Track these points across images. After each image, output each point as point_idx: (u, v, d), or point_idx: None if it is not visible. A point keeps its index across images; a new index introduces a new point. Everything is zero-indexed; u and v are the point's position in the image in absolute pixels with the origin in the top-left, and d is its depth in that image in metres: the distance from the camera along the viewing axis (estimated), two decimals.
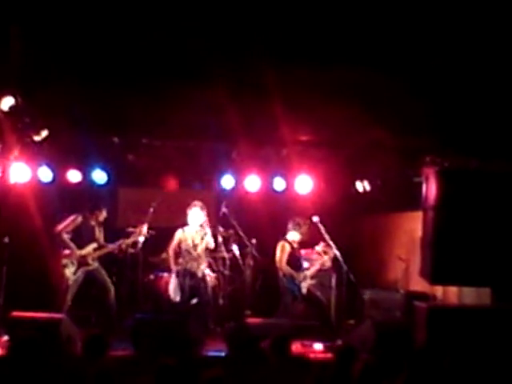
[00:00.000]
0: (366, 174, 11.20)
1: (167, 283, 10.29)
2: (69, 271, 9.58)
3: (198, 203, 9.94)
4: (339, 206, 11.68)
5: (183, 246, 9.96)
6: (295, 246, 10.10)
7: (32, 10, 5.80)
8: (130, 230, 10.19)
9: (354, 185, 11.41)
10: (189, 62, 6.88)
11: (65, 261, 9.59)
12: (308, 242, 10.40)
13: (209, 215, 10.13)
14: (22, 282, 10.52)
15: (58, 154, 10.25)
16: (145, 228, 10.07)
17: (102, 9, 5.75)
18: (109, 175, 10.73)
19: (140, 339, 8.28)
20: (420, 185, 8.99)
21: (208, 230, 9.97)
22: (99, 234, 9.94)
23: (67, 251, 9.63)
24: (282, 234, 10.17)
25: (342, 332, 9.89)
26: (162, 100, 8.10)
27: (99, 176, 10.69)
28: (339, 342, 9.04)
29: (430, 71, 6.90)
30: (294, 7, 5.69)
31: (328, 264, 10.32)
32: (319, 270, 10.21)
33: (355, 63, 6.66)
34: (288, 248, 10.01)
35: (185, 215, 9.95)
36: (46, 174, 10.35)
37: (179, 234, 10.01)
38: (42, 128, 9.28)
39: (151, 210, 10.24)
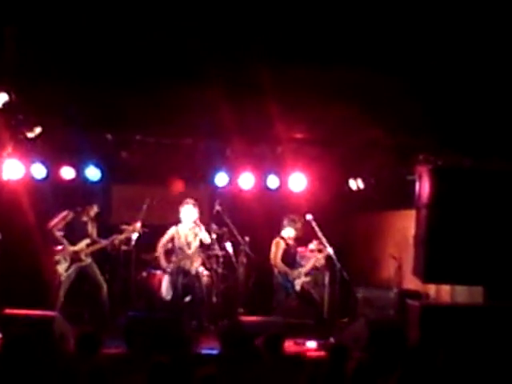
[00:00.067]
0: (359, 172, 11.20)
1: (160, 281, 10.30)
2: (61, 267, 9.59)
3: (190, 200, 9.93)
4: (333, 204, 11.69)
5: (176, 244, 9.96)
6: (290, 242, 10.11)
7: (27, 7, 5.79)
8: (124, 227, 10.17)
9: (347, 183, 11.41)
10: (183, 60, 6.87)
11: (57, 257, 9.60)
12: (302, 240, 10.41)
13: (202, 213, 10.13)
14: (15, 279, 10.50)
15: (51, 150, 10.22)
16: (138, 225, 10.06)
17: (96, 7, 5.74)
18: (102, 172, 10.70)
19: (133, 337, 8.27)
20: (413, 183, 9.00)
21: (202, 227, 9.96)
22: (92, 229, 9.94)
23: (60, 247, 9.64)
24: (275, 232, 10.18)
25: (335, 330, 9.89)
26: (156, 97, 8.09)
27: (93, 173, 10.66)
28: (332, 340, 9.06)
29: (424, 70, 6.91)
30: (289, 6, 5.69)
31: (322, 262, 10.32)
32: (313, 268, 10.23)
33: (350, 62, 6.66)
34: (283, 245, 10.02)
35: (178, 213, 9.94)
36: (39, 171, 10.33)
37: (172, 231, 10.01)
38: (36, 125, 9.27)
39: (144, 207, 10.23)
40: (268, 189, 11.37)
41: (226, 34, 6.22)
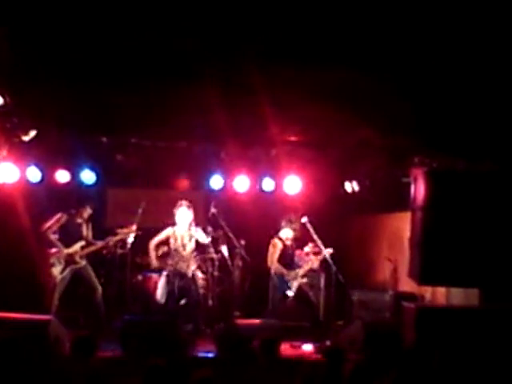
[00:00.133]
0: (354, 175, 11.21)
1: (156, 284, 10.29)
2: (56, 270, 9.59)
3: (184, 202, 9.90)
4: (328, 207, 11.70)
5: (172, 246, 9.93)
6: (288, 243, 10.11)
7: (20, 10, 5.78)
8: (119, 230, 10.16)
9: (342, 185, 11.42)
10: (177, 62, 6.86)
11: (52, 259, 9.60)
12: (300, 241, 10.41)
13: (197, 215, 10.12)
14: (10, 282, 10.48)
15: (46, 154, 10.21)
16: (134, 227, 10.05)
17: (90, 9, 5.73)
18: (97, 175, 10.70)
19: (129, 340, 8.27)
20: (408, 185, 9.00)
21: (197, 228, 9.94)
22: (87, 231, 9.95)
23: (54, 250, 9.64)
24: (271, 235, 10.18)
25: (331, 333, 9.90)
26: (151, 100, 8.09)
27: (88, 176, 10.66)
28: (328, 343, 9.06)
29: (419, 72, 6.91)
30: (283, 8, 5.69)
31: (317, 264, 10.33)
32: (309, 270, 10.23)
33: (344, 64, 6.66)
34: (280, 245, 10.02)
35: (173, 216, 9.92)
36: (34, 174, 10.32)
37: (168, 232, 9.94)
38: (31, 128, 9.25)
39: (140, 210, 10.22)
40: (263, 191, 11.39)
41: (219, 36, 6.21)
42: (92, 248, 9.90)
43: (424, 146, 8.93)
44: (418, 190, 8.65)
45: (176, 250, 9.89)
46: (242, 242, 11.17)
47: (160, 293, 10.07)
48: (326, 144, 10.30)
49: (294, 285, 9.94)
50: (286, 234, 10.10)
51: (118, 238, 10.10)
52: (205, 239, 10.02)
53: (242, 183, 11.11)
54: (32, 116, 8.96)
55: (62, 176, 10.66)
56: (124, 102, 8.17)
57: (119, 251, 10.48)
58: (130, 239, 10.14)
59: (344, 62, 6.66)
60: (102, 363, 6.82)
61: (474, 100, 7.53)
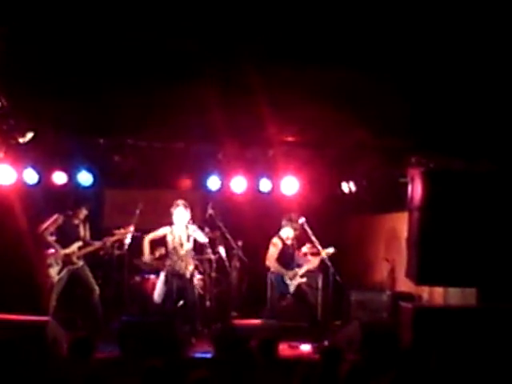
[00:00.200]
0: (351, 175, 11.21)
1: (154, 285, 10.29)
2: (53, 271, 9.60)
3: (181, 202, 9.86)
4: (325, 207, 11.70)
5: (170, 245, 9.88)
6: (289, 242, 10.10)
7: (17, 11, 5.77)
8: (116, 231, 10.16)
9: (339, 186, 11.41)
10: (174, 62, 6.86)
11: (49, 260, 9.61)
12: (301, 241, 10.42)
13: (194, 216, 10.11)
14: (7, 283, 10.49)
15: (43, 155, 10.20)
16: (131, 228, 10.05)
17: (88, 9, 5.73)
18: (94, 177, 10.69)
19: (127, 341, 8.27)
20: (405, 185, 9.00)
21: (195, 227, 9.92)
22: (84, 232, 9.96)
23: (51, 251, 9.65)
24: (268, 236, 10.17)
25: (329, 333, 9.89)
26: (148, 101, 8.08)
27: (85, 177, 10.64)
28: (326, 343, 9.06)
29: (416, 72, 6.92)
30: (281, 8, 5.69)
31: (316, 264, 10.33)
32: (307, 271, 10.22)
33: (341, 65, 6.67)
34: (279, 244, 10.01)
35: (170, 216, 9.91)
36: (31, 176, 10.31)
37: (166, 230, 9.88)
38: (28, 130, 9.24)
39: (137, 211, 10.21)
40: (260, 192, 11.37)
41: (217, 35, 6.21)
42: (89, 248, 9.90)
43: (421, 146, 8.94)
44: (415, 190, 8.66)
45: (174, 248, 9.85)
46: (240, 243, 11.18)
47: (157, 293, 10.07)
48: (323, 144, 10.28)
49: (293, 284, 9.94)
50: (287, 233, 10.08)
51: (115, 238, 10.11)
52: (203, 238, 9.99)
53: (239, 184, 11.10)
54: (29, 118, 8.95)
55: (59, 178, 10.65)
56: (121, 103, 8.17)
57: (117, 252, 10.48)
58: (128, 240, 10.13)
59: (341, 62, 6.66)
60: (100, 364, 6.82)
61: (471, 100, 7.54)
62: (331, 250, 9.99)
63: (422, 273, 8.47)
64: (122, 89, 7.56)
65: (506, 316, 8.27)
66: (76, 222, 9.84)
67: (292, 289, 9.94)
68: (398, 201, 9.62)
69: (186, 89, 7.40)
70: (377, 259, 11.66)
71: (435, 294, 9.94)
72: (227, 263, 10.94)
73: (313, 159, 10.83)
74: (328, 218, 11.66)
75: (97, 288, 9.84)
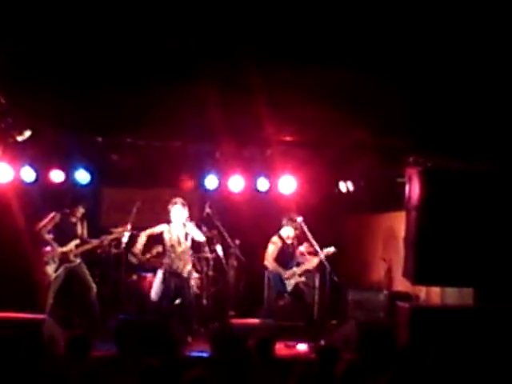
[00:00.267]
0: (349, 175, 11.21)
1: (151, 283, 10.29)
2: (50, 268, 9.61)
3: (178, 200, 9.85)
4: (323, 207, 11.70)
5: (168, 243, 9.86)
6: (289, 241, 10.10)
7: (15, 9, 5.77)
8: (113, 230, 10.16)
9: (337, 185, 11.41)
10: (172, 62, 6.86)
11: (46, 258, 9.62)
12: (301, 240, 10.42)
13: (192, 215, 10.11)
14: (4, 281, 10.48)
15: (40, 154, 10.20)
16: (128, 227, 10.05)
17: (86, 8, 5.72)
18: (92, 175, 10.69)
19: (123, 340, 8.28)
20: (403, 185, 9.01)
21: (193, 225, 9.91)
22: (81, 230, 9.96)
23: (48, 249, 9.65)
24: (265, 235, 10.17)
25: (326, 332, 9.90)
26: (146, 100, 8.07)
27: (82, 176, 10.65)
28: (322, 343, 9.07)
29: (414, 71, 6.92)
30: (280, 8, 5.69)
31: (314, 264, 10.33)
32: (304, 270, 10.22)
33: (340, 65, 6.67)
34: (279, 243, 10.01)
35: (168, 215, 9.91)
36: (28, 174, 10.31)
37: (163, 227, 9.87)
38: (25, 128, 9.23)
39: (135, 210, 10.22)
40: (258, 191, 11.37)
41: (215, 35, 6.21)
42: (86, 246, 9.90)
43: (419, 145, 8.94)
44: (413, 189, 8.66)
45: (172, 246, 9.84)
46: (237, 242, 11.18)
47: (155, 291, 10.07)
48: (320, 144, 10.29)
49: (291, 283, 9.94)
50: (288, 232, 10.08)
51: (112, 237, 10.11)
52: (200, 237, 9.99)
53: (236, 183, 11.10)
54: (26, 116, 8.95)
55: (57, 176, 10.65)
56: (119, 102, 8.16)
57: (114, 251, 10.48)
58: (125, 239, 10.13)
59: (340, 62, 6.66)
60: (97, 362, 6.81)
61: (469, 99, 7.54)
62: (332, 249, 9.99)
63: (419, 272, 8.47)
64: (120, 87, 7.56)
65: (502, 316, 8.28)
66: (73, 220, 9.84)
67: (289, 288, 9.94)
68: (396, 200, 9.63)
69: (185, 88, 7.40)
70: (374, 259, 11.67)
71: (432, 294, 9.95)
72: (224, 262, 10.94)
73: (310, 159, 10.83)
74: (326, 217, 11.67)
75: (94, 286, 9.84)
